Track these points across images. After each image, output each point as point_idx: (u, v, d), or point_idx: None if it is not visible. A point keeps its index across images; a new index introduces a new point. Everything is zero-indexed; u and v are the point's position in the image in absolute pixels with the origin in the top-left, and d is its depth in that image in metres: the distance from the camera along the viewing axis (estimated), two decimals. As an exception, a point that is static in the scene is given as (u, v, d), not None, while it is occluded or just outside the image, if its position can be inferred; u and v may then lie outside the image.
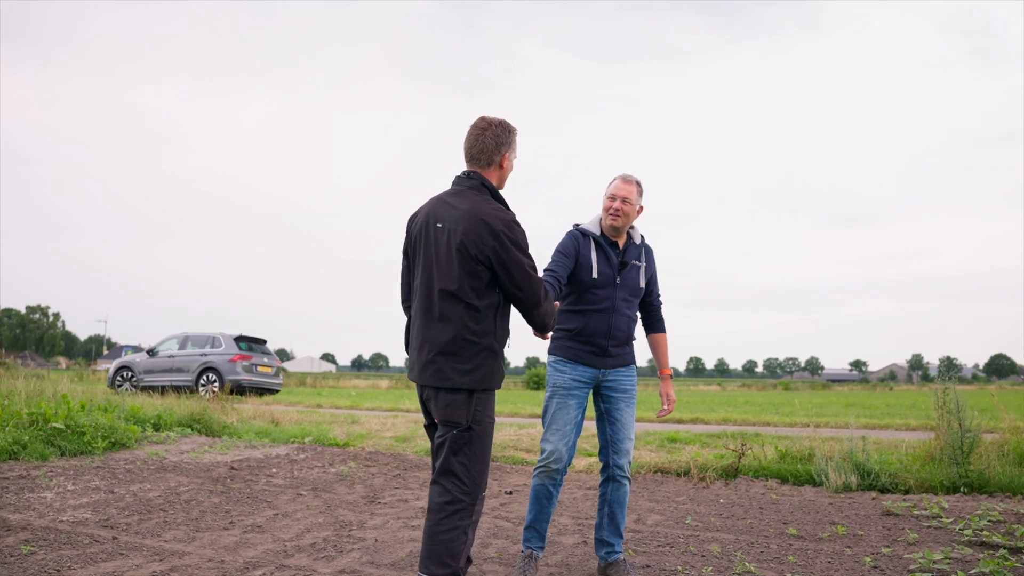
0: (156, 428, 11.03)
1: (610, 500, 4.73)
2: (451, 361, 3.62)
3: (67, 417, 9.49)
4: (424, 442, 11.00)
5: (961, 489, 7.65)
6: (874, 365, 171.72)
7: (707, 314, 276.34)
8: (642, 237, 4.86)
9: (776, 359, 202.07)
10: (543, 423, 4.72)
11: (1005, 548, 5.30)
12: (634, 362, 4.82)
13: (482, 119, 3.81)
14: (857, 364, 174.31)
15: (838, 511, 6.81)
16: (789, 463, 8.45)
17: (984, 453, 8.36)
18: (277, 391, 23.06)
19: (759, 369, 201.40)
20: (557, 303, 4.41)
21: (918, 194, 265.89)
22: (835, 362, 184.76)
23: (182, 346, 22.40)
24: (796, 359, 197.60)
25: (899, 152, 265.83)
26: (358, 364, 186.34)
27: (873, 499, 7.32)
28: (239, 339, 22.20)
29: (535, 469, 4.67)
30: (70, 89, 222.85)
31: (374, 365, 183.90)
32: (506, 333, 3.75)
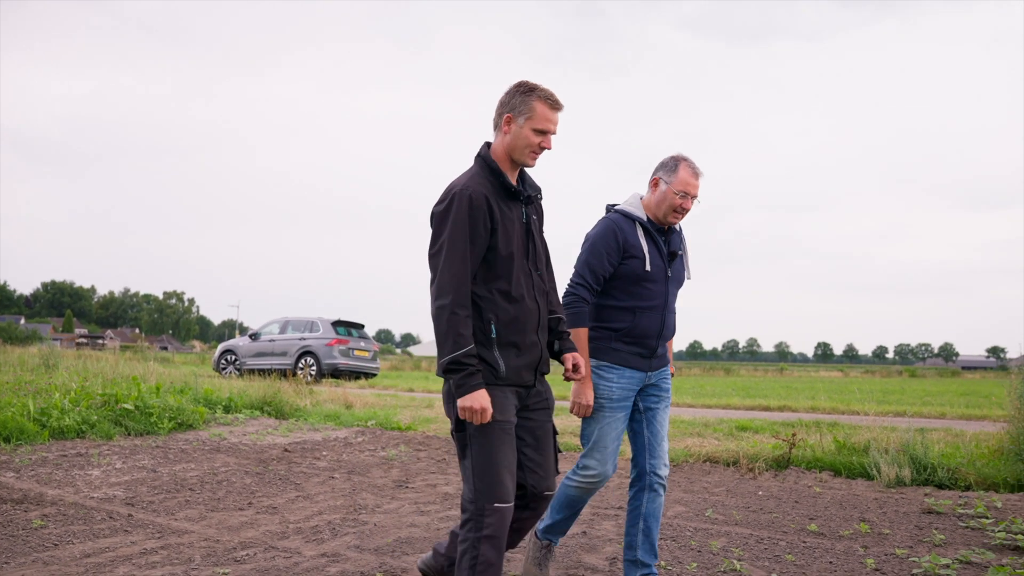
0: (227, 410, 11.35)
1: (645, 513, 4.10)
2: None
3: (137, 399, 9.86)
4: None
5: (1027, 487, 7.18)
6: (1014, 351, 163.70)
7: (838, 298, 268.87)
8: None
9: (908, 345, 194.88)
10: (586, 437, 4.13)
11: (1033, 552, 4.94)
12: (671, 359, 4.39)
13: None
14: (995, 351, 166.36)
15: (878, 507, 6.47)
16: (845, 455, 8.09)
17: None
18: (374, 375, 23.47)
19: (890, 355, 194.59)
20: (579, 329, 3.99)
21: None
22: (971, 348, 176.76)
23: (282, 330, 23.03)
24: (929, 345, 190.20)
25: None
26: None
27: (926, 495, 6.93)
28: (336, 324, 22.68)
29: (574, 480, 4.15)
30: (207, 83, 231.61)
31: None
32: (484, 321, 3.32)
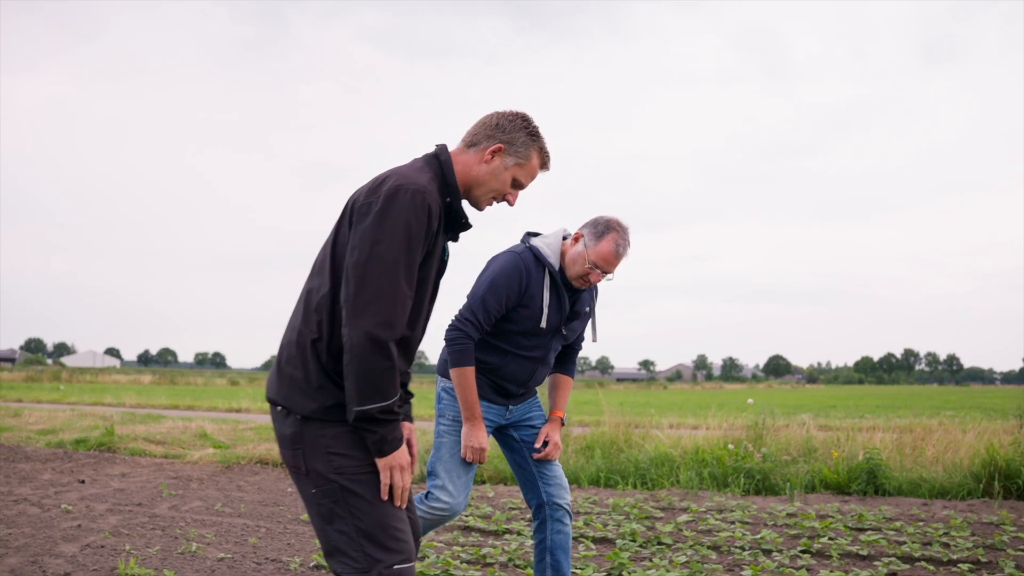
0: None
1: (551, 547, 3.70)
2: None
3: None
4: (69, 434, 10.95)
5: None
6: (662, 365, 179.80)
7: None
8: None
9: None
10: (432, 464, 3.59)
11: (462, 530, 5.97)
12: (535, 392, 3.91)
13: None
14: (646, 364, 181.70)
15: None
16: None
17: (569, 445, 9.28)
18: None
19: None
20: (466, 368, 3.48)
21: (709, 201, 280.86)
22: (626, 362, 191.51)
23: None
24: (587, 358, 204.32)
25: (693, 159, 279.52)
26: (145, 359, 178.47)
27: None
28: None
29: (422, 507, 3.52)
30: None
31: (161, 360, 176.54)
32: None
